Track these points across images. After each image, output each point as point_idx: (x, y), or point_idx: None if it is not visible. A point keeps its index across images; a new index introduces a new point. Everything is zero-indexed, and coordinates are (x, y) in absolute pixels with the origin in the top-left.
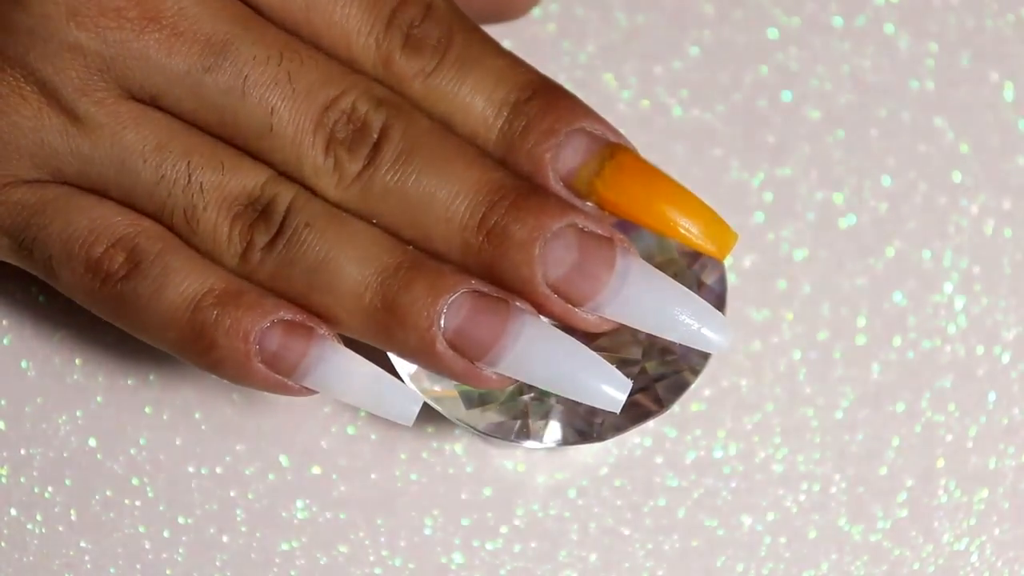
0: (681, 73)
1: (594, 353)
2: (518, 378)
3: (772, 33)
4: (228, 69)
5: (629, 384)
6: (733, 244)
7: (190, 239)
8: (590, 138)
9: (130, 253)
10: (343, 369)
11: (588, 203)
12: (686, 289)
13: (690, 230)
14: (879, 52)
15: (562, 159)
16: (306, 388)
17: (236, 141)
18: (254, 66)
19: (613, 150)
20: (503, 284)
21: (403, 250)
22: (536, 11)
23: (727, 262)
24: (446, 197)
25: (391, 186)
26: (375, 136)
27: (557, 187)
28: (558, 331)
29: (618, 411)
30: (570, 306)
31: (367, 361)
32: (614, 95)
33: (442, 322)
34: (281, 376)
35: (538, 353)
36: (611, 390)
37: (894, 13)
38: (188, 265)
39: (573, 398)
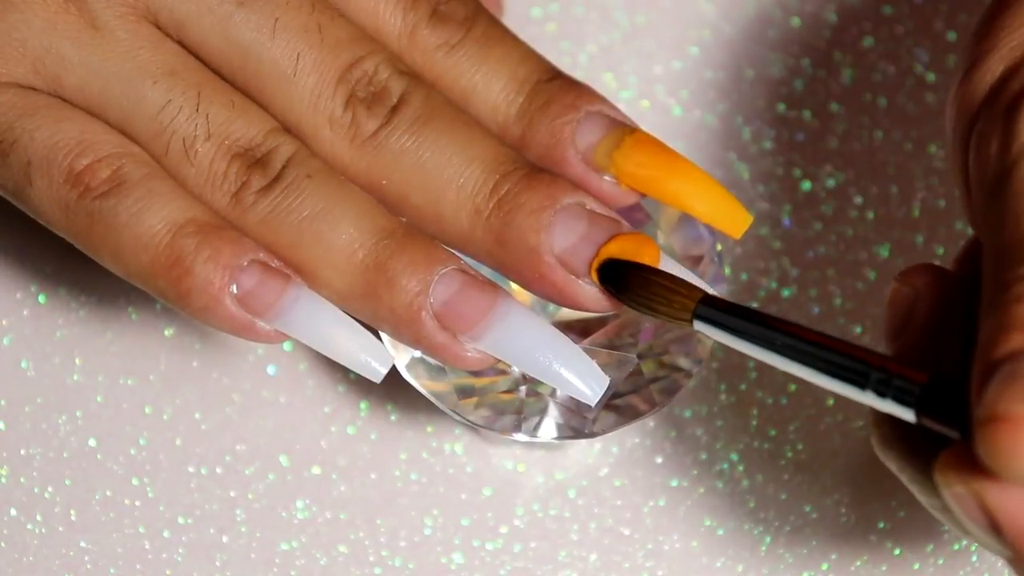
0: (681, 73)
1: (577, 347)
2: (498, 357)
3: (772, 33)
4: (261, 7)
5: (607, 381)
6: (747, 225)
7: (182, 170)
8: (609, 118)
9: (115, 171)
10: (318, 314)
11: (605, 176)
12: (689, 272)
13: (705, 206)
14: (880, 52)
15: (581, 133)
16: (276, 332)
17: (252, 86)
18: (286, 9)
19: (632, 128)
20: (509, 253)
21: (399, 220)
22: (536, 11)
23: (728, 262)
24: (460, 163)
25: (406, 147)
26: (394, 101)
27: (575, 160)
28: (544, 321)
29: (592, 405)
30: (572, 277)
31: (343, 313)
32: (614, 95)
33: (431, 291)
34: (252, 315)
35: (522, 335)
36: (586, 384)
37: (895, 13)
38: (173, 192)
39: (550, 384)
